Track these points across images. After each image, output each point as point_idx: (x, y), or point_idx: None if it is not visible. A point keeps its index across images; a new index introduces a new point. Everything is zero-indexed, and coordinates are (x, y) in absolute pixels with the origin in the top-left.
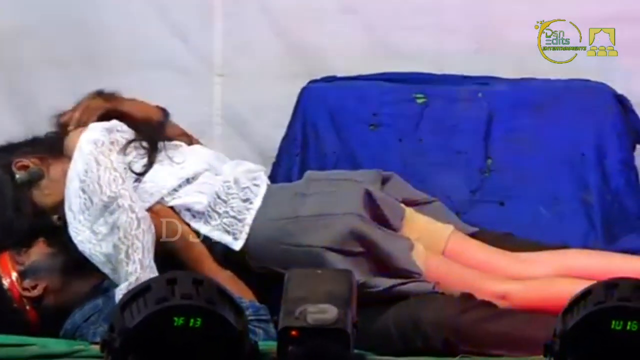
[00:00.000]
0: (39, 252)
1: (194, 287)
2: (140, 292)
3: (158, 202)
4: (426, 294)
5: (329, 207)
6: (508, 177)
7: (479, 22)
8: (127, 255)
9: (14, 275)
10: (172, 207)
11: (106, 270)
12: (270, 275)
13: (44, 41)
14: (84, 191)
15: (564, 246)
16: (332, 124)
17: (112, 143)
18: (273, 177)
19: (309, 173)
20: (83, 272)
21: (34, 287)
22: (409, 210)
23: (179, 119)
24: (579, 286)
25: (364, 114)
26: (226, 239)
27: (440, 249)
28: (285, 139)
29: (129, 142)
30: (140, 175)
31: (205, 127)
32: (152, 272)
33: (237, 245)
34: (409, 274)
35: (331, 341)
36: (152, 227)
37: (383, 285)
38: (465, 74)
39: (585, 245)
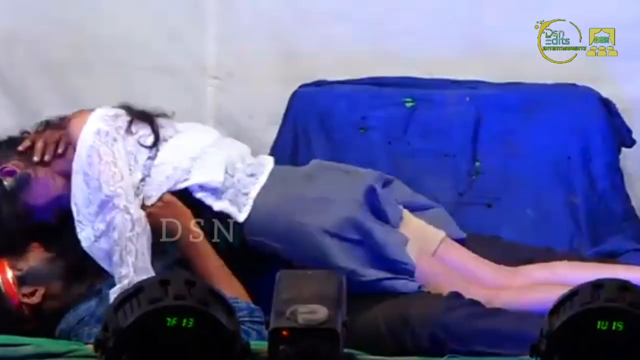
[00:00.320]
0: (36, 257)
1: (187, 288)
2: (133, 292)
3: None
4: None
5: (332, 193)
6: (495, 179)
7: (468, 27)
8: (121, 258)
9: (12, 280)
10: (186, 189)
11: (105, 265)
12: (264, 254)
13: (38, 44)
14: (87, 185)
15: (551, 248)
16: (323, 127)
17: (117, 129)
18: None
19: (317, 160)
20: (81, 276)
21: (32, 294)
22: (405, 212)
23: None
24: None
25: (354, 117)
26: (231, 211)
27: (430, 252)
28: (276, 141)
29: (130, 122)
30: (151, 147)
31: None
32: (147, 274)
33: (240, 217)
34: (401, 267)
35: (321, 341)
36: (148, 227)
37: (372, 276)
38: (454, 78)
39: (571, 247)
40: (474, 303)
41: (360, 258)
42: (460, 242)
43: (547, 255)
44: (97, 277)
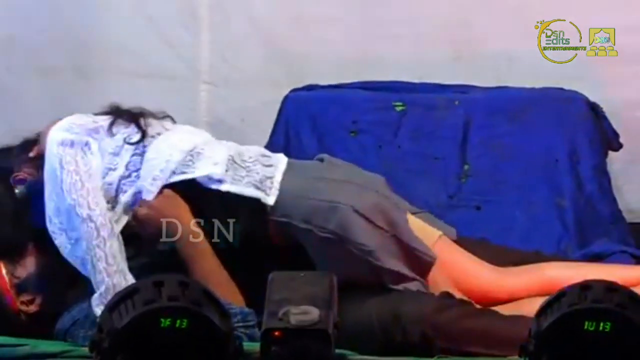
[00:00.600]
0: (33, 263)
1: (180, 289)
2: (128, 294)
3: (168, 182)
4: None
5: (359, 178)
6: (484, 182)
7: (457, 32)
8: (93, 266)
9: (10, 286)
10: (194, 179)
11: (85, 272)
12: (287, 241)
13: (33, 50)
14: (55, 194)
15: (539, 251)
16: (314, 131)
17: (90, 133)
18: None
19: (325, 155)
20: (77, 280)
21: (30, 302)
22: None
23: None
24: None
25: (345, 121)
26: (259, 195)
27: None
28: (268, 145)
29: (112, 122)
30: (137, 143)
31: None
32: (121, 275)
33: (270, 200)
34: (423, 257)
35: (313, 341)
36: (114, 231)
37: (391, 266)
38: (443, 82)
39: (558, 249)
40: (465, 303)
41: (383, 245)
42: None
43: (534, 258)
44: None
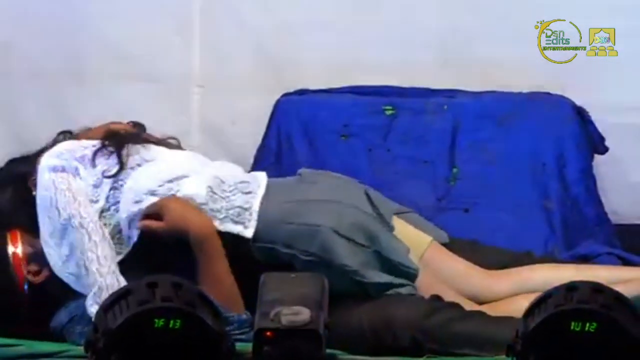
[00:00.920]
0: None
1: (174, 290)
2: (122, 294)
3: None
4: (398, 294)
5: (337, 195)
6: (473, 185)
7: (446, 37)
8: (86, 269)
9: (22, 254)
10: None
11: (78, 288)
12: (272, 261)
13: (29, 54)
14: (49, 218)
15: (527, 252)
16: (305, 135)
17: (78, 159)
18: None
19: (306, 169)
20: None
21: (38, 273)
22: (393, 217)
23: (158, 128)
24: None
25: (335, 125)
26: (237, 229)
27: (418, 256)
28: (260, 148)
29: (95, 152)
30: (113, 177)
31: (184, 137)
32: (113, 276)
33: (248, 233)
34: (406, 270)
35: (304, 341)
36: (106, 234)
37: (374, 279)
38: (432, 87)
39: (546, 251)
40: (453, 305)
41: (366, 262)
42: (443, 245)
43: (526, 259)
44: None
